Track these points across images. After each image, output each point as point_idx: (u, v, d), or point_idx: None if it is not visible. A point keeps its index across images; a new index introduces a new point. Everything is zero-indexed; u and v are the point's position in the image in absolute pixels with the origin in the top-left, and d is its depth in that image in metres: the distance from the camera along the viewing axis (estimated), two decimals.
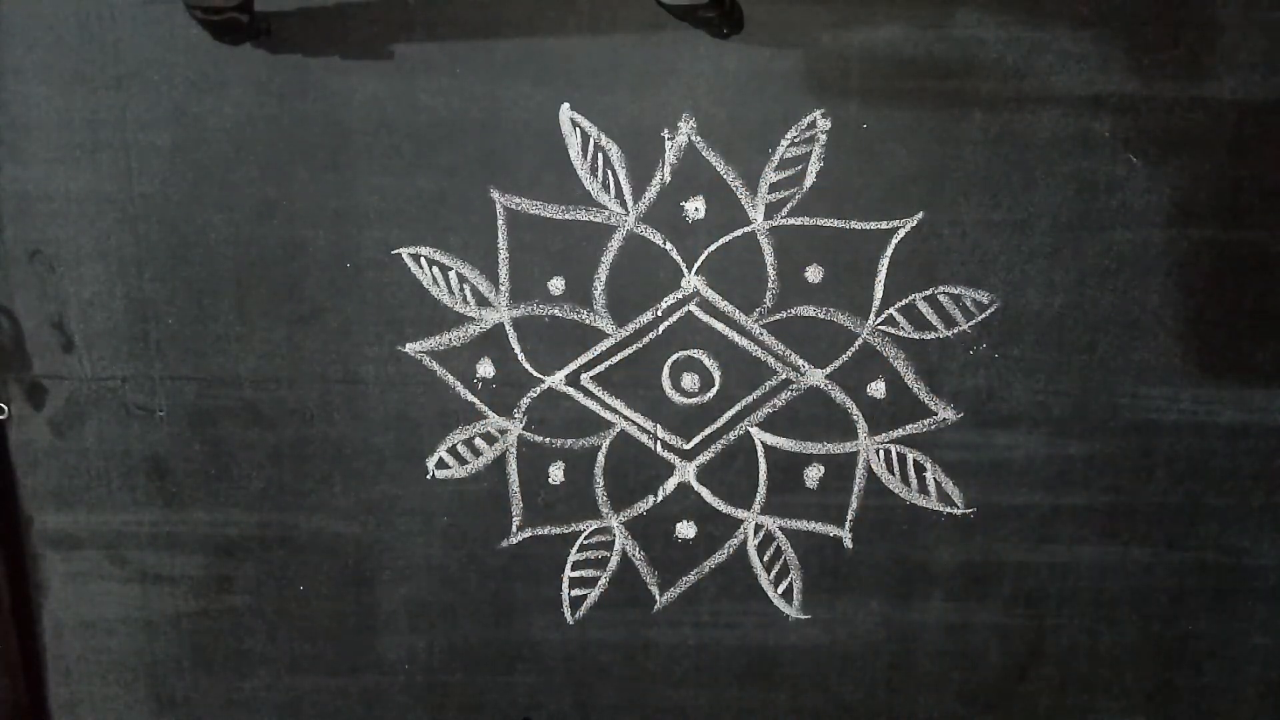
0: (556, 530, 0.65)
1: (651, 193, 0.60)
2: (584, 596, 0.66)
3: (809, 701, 0.67)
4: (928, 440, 0.63)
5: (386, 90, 0.59)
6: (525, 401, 0.63)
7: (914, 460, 0.64)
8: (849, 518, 0.65)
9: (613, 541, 0.65)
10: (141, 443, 0.63)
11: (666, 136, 0.59)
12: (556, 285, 0.61)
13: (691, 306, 0.62)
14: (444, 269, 0.61)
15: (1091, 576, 0.65)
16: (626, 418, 0.63)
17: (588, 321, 0.62)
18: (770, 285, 0.61)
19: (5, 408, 0.63)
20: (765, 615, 0.66)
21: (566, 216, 0.60)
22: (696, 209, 0.60)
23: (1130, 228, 0.60)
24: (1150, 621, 0.66)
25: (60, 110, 0.59)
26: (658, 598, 0.66)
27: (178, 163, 0.60)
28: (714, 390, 0.63)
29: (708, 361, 0.63)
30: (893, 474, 0.64)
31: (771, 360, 0.63)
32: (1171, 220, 0.60)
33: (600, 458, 0.64)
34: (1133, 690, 0.67)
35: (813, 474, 0.64)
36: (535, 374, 0.63)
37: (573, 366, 0.63)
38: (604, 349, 0.62)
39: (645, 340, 0.62)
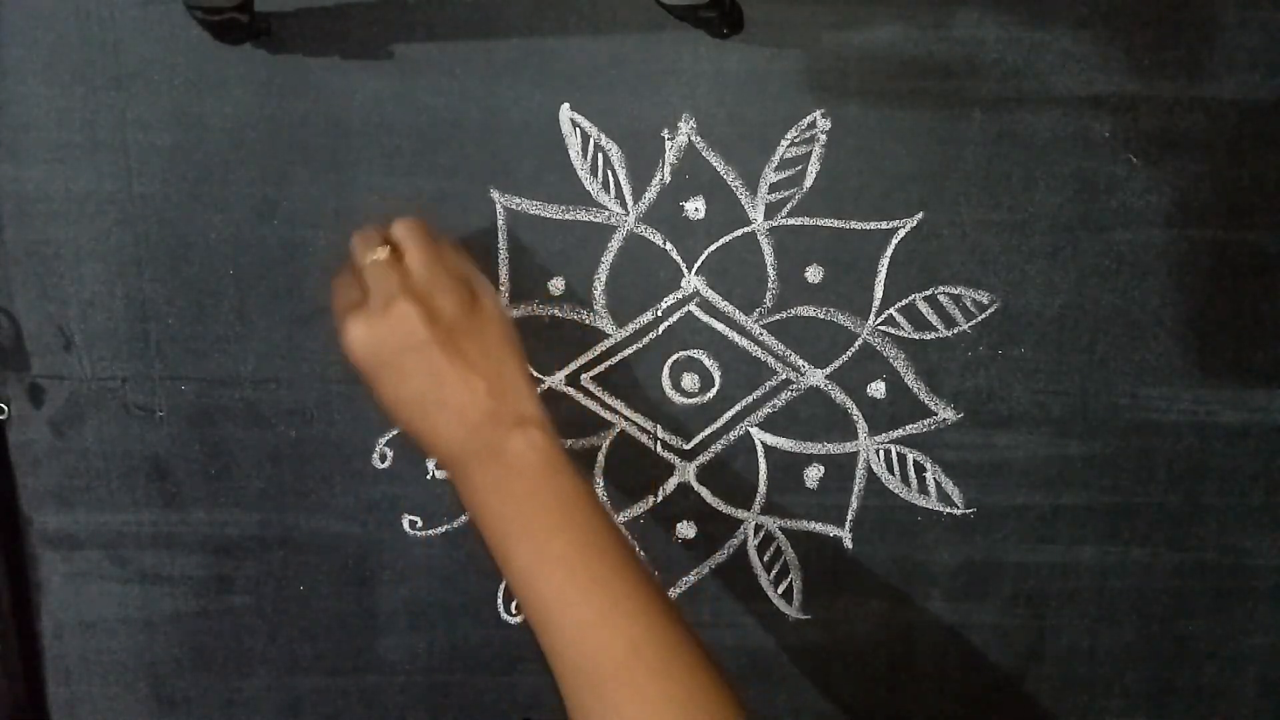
0: None
1: (651, 193, 0.60)
2: None
3: (809, 701, 0.67)
4: (928, 440, 0.63)
5: (386, 90, 0.59)
6: None
7: (914, 460, 0.64)
8: (849, 518, 0.65)
9: None
10: (141, 443, 0.63)
11: (666, 136, 0.59)
12: (556, 285, 0.61)
13: (691, 306, 0.62)
14: None
15: (1091, 576, 0.65)
16: (626, 418, 0.63)
17: (588, 321, 0.62)
18: (770, 285, 0.61)
19: (5, 408, 0.62)
20: (765, 615, 0.66)
21: (566, 216, 0.60)
22: (696, 209, 0.60)
23: (1130, 228, 0.60)
24: (1150, 621, 0.66)
25: (60, 110, 0.59)
26: None
27: (178, 163, 0.59)
28: (714, 390, 0.63)
29: (708, 361, 0.63)
30: (893, 474, 0.64)
31: (771, 360, 0.63)
32: (1171, 220, 0.60)
33: (600, 458, 0.64)
34: (1133, 690, 0.67)
35: (813, 474, 0.64)
36: (535, 374, 0.63)
37: (573, 366, 0.63)
38: (604, 349, 0.62)
39: (645, 340, 0.62)
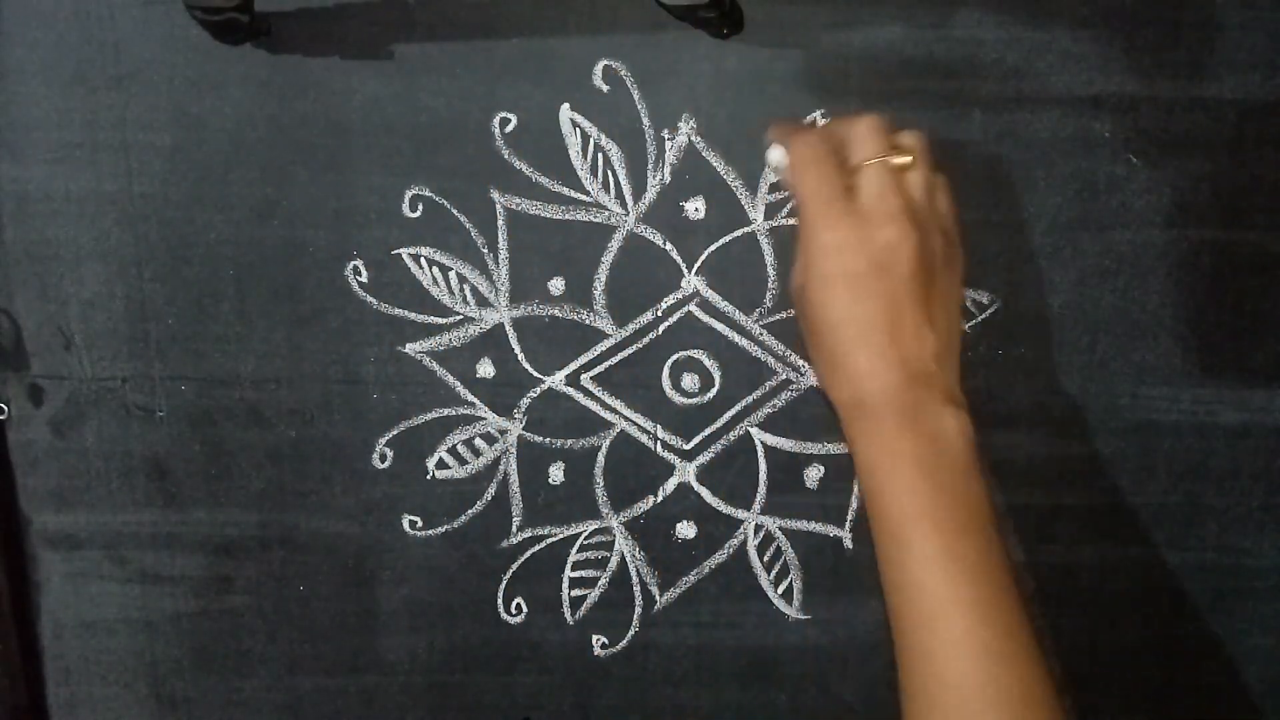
0: (556, 530, 0.65)
1: (651, 193, 0.60)
2: (584, 597, 0.66)
3: (809, 701, 0.67)
4: None
5: (386, 90, 0.59)
6: (525, 401, 0.63)
7: None
8: (849, 518, 0.65)
9: (613, 542, 0.65)
10: (141, 443, 0.63)
11: (666, 136, 0.59)
12: (556, 285, 0.61)
13: (691, 307, 0.62)
14: (444, 269, 0.61)
15: (1091, 576, 0.65)
16: (626, 418, 0.63)
17: (588, 321, 0.62)
18: (770, 285, 0.61)
19: (5, 408, 0.62)
20: (765, 615, 0.66)
21: (566, 216, 0.60)
22: (696, 209, 0.60)
23: (1130, 228, 0.60)
24: (1150, 621, 0.66)
25: (60, 110, 0.59)
26: (658, 598, 0.66)
27: (178, 163, 0.59)
28: (714, 390, 0.63)
29: (708, 361, 0.63)
30: None
31: (771, 360, 0.63)
32: (1171, 220, 0.60)
33: (600, 458, 0.64)
34: (1133, 690, 0.67)
35: (813, 474, 0.64)
36: (535, 374, 0.63)
37: (573, 366, 0.63)
38: (604, 349, 0.62)
39: (645, 340, 0.62)
